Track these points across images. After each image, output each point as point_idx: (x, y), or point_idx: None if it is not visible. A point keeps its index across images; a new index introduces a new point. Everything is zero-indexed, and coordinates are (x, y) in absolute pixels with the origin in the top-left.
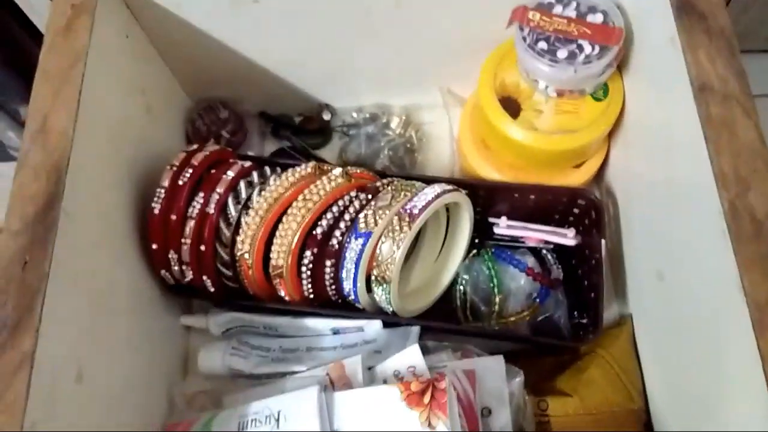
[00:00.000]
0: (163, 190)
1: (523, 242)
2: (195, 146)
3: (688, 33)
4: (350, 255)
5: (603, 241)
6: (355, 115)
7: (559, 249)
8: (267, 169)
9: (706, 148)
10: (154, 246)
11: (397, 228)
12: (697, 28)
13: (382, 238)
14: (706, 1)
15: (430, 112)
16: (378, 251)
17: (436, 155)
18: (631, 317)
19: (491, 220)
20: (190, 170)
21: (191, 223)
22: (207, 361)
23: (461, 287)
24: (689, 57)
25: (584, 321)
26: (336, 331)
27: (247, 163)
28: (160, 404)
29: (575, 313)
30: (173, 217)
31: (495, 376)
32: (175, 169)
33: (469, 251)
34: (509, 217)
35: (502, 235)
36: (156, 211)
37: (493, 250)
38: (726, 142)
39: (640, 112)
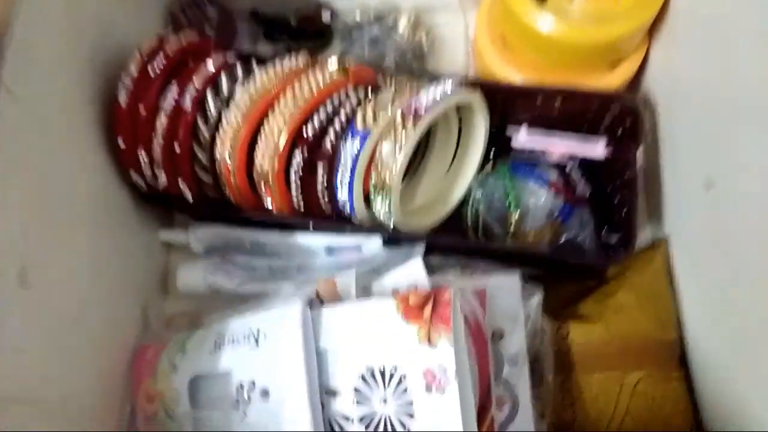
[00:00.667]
0: (129, 80)
1: (545, 156)
2: (169, 34)
3: None
4: (345, 158)
5: (640, 149)
6: (358, 15)
7: (586, 165)
8: (253, 62)
9: None
10: (121, 143)
11: (400, 128)
12: None
13: (383, 139)
14: None
15: (443, 13)
16: (377, 154)
17: (449, 62)
18: (667, 241)
19: (510, 130)
20: (164, 59)
21: (163, 119)
22: (187, 279)
23: (473, 205)
24: None
25: (613, 242)
26: (331, 251)
27: (231, 55)
28: (134, 324)
29: (603, 233)
30: (142, 111)
31: (509, 296)
32: (145, 55)
33: (483, 165)
34: (530, 127)
35: (521, 148)
36: (122, 104)
37: (510, 163)
38: None
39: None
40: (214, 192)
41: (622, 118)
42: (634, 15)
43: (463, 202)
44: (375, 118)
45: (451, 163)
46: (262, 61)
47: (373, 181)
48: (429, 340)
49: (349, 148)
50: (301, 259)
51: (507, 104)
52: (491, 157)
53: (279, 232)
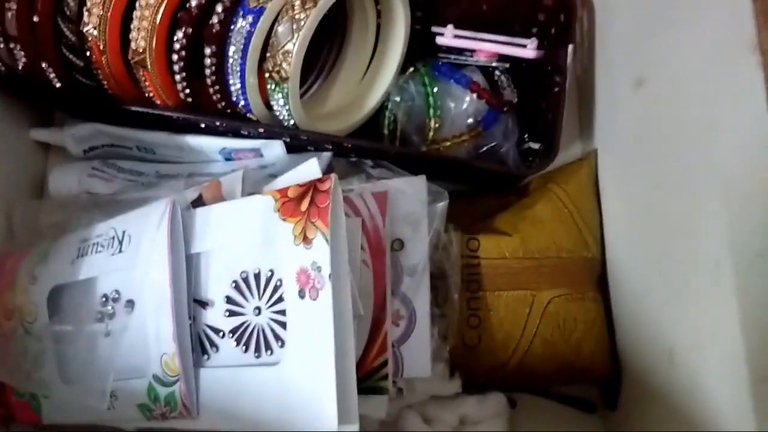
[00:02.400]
0: None
1: (472, 57)
2: None
3: None
4: (236, 39)
5: (570, 47)
6: None
7: (515, 71)
8: None
9: None
10: None
11: (299, 6)
12: None
13: (279, 18)
14: None
15: None
16: (273, 36)
17: None
18: (596, 153)
19: (435, 29)
20: None
21: None
22: (59, 182)
23: (391, 110)
24: None
25: (537, 148)
26: (228, 156)
27: None
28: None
29: (527, 139)
30: None
31: (412, 201)
32: None
33: (404, 67)
34: (457, 26)
35: (447, 48)
36: None
37: (432, 63)
38: None
39: None
40: (87, 78)
41: (555, 14)
42: None
43: (380, 108)
44: None
45: (369, 64)
46: None
47: (269, 72)
48: (305, 237)
49: (240, 27)
50: (194, 164)
51: (431, 2)
52: (413, 59)
53: (168, 132)
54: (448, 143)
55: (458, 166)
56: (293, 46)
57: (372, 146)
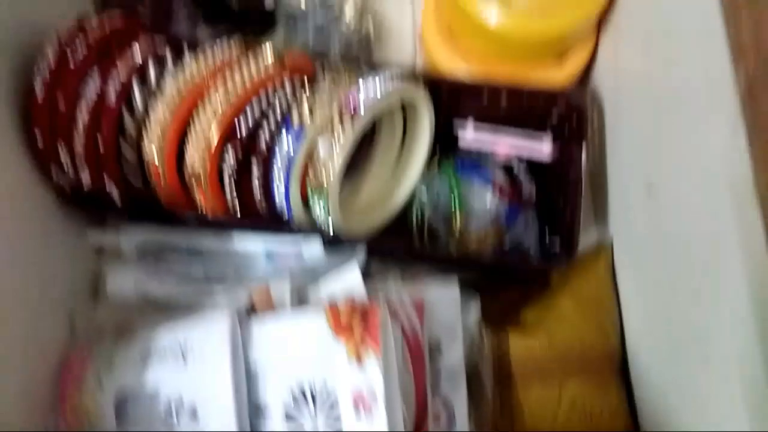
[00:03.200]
0: (47, 70)
1: (491, 153)
2: (92, 19)
3: None
4: (281, 156)
5: (584, 147)
6: (303, 2)
7: (532, 164)
8: (185, 47)
9: (723, 30)
10: (39, 139)
11: (339, 123)
12: None
13: (321, 136)
14: None
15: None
16: (315, 152)
17: (396, 52)
18: (611, 243)
19: (456, 126)
20: (85, 45)
21: (84, 113)
22: (116, 285)
23: (419, 206)
24: None
25: (556, 247)
26: (270, 255)
27: (160, 39)
28: (61, 332)
29: (547, 238)
30: (61, 105)
31: (448, 308)
32: (63, 41)
33: (429, 163)
34: (477, 123)
35: (467, 144)
36: (38, 97)
37: (455, 163)
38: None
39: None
40: (144, 191)
41: (568, 115)
42: (579, 8)
43: (408, 202)
44: (312, 114)
45: (395, 161)
46: (194, 47)
47: (310, 183)
48: (358, 358)
49: (285, 146)
50: (239, 265)
51: (453, 100)
52: (437, 155)
53: (215, 235)
54: (474, 239)
55: (485, 264)
56: (334, 164)
57: (404, 249)
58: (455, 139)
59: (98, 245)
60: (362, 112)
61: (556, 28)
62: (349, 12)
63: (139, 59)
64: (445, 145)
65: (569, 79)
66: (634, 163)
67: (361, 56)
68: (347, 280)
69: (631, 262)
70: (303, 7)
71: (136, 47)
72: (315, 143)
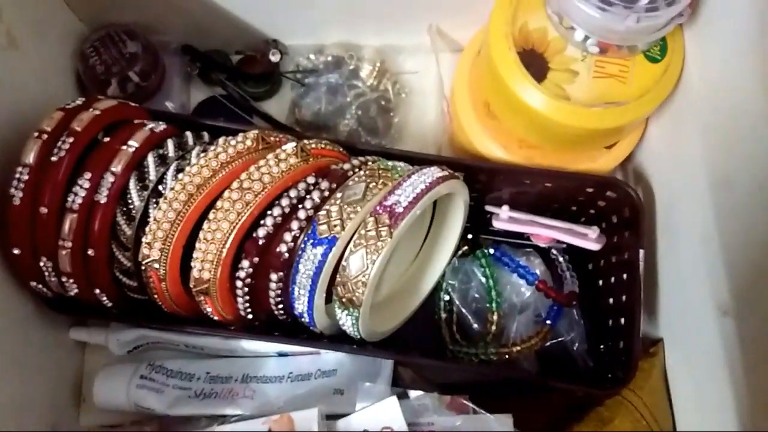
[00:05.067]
0: (26, 170)
1: (528, 240)
2: (79, 101)
3: None
4: (305, 268)
5: (642, 252)
6: (313, 57)
7: (571, 249)
8: (189, 136)
9: None
10: (16, 251)
11: (373, 233)
12: None
13: (351, 247)
14: None
15: (412, 57)
16: (345, 264)
17: (419, 117)
18: (663, 345)
19: (489, 208)
20: (71, 139)
21: (71, 219)
22: (106, 394)
23: (446, 295)
24: None
25: (609, 363)
26: (283, 353)
27: (161, 127)
28: None
29: (593, 335)
30: (43, 210)
31: None
32: (45, 137)
33: (458, 249)
34: (513, 206)
35: (502, 227)
36: (16, 202)
37: (491, 249)
38: None
39: (704, 79)
40: (141, 294)
41: (619, 206)
42: (646, 100)
43: (435, 290)
44: (342, 220)
45: (422, 245)
46: (200, 130)
47: (338, 295)
48: None
49: (311, 256)
50: (248, 364)
51: (490, 182)
52: (468, 239)
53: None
54: (518, 348)
55: (535, 383)
56: (368, 277)
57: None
58: (490, 221)
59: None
60: (401, 223)
61: (618, 122)
62: (366, 70)
63: (137, 151)
64: (478, 228)
65: (616, 164)
66: (701, 282)
67: (380, 122)
68: (386, 414)
69: (687, 366)
70: (313, 58)
71: (134, 139)
72: (345, 254)
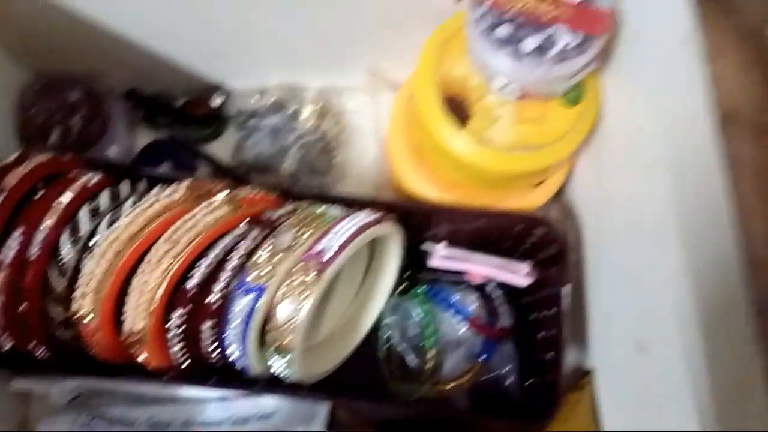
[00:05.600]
0: None
1: (463, 277)
2: (13, 157)
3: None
4: (237, 316)
5: (567, 287)
6: (255, 100)
7: (509, 291)
8: (124, 187)
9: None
10: None
11: (301, 279)
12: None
13: (280, 294)
14: None
15: (352, 97)
16: (274, 312)
17: (360, 157)
18: (592, 376)
19: (425, 247)
20: (2, 195)
21: (3, 275)
22: None
23: (386, 332)
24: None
25: (535, 381)
26: (224, 398)
27: (95, 179)
28: None
29: (527, 368)
30: None
31: None
32: None
33: (396, 287)
34: (451, 242)
35: (437, 266)
36: None
37: (427, 287)
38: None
39: (622, 121)
40: (76, 345)
41: (546, 242)
42: (564, 143)
43: (375, 329)
44: (270, 268)
45: (360, 285)
46: (137, 179)
47: (269, 342)
48: None
49: (241, 305)
50: (189, 409)
51: (424, 223)
52: (406, 278)
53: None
54: (452, 384)
55: (466, 417)
56: (297, 324)
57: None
58: (424, 257)
59: (25, 392)
60: (330, 269)
61: (541, 164)
62: (307, 112)
63: (68, 205)
64: (417, 265)
65: (544, 200)
66: (619, 302)
67: (322, 162)
68: None
69: (615, 396)
70: (256, 107)
71: (67, 193)
72: (274, 302)
